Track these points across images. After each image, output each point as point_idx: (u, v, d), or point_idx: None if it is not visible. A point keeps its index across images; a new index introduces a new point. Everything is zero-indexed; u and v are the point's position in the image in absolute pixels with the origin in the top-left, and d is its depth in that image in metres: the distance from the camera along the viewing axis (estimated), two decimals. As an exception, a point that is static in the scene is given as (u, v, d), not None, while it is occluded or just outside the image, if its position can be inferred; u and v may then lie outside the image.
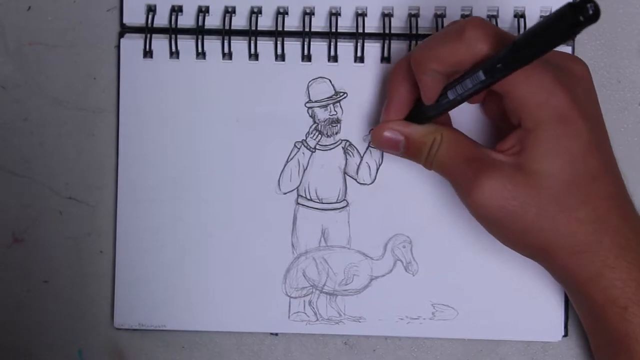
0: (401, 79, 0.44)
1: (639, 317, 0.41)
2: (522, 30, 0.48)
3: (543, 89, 0.40)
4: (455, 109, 0.42)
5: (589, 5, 0.32)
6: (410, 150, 0.44)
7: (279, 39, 0.48)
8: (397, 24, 0.49)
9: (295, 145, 0.49)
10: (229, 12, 0.49)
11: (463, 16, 0.48)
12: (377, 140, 0.44)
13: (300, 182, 0.49)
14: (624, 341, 0.41)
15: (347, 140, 0.49)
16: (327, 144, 0.49)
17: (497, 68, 0.38)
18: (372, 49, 0.49)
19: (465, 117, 0.48)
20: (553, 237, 0.41)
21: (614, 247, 0.41)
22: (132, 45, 0.49)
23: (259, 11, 0.49)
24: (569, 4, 0.33)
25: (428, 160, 0.43)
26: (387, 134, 0.44)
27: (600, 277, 0.41)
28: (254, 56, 0.49)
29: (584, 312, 0.44)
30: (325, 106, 0.49)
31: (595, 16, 0.32)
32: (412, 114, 0.44)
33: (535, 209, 0.40)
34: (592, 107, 0.43)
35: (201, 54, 0.49)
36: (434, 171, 0.44)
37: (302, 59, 0.49)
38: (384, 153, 0.48)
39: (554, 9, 0.47)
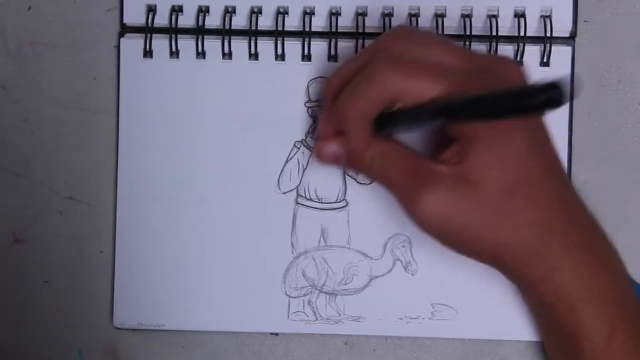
0: (336, 92, 0.43)
1: (587, 314, 0.41)
2: (522, 31, 0.48)
3: None
4: None
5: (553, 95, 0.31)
6: (351, 164, 0.44)
7: (279, 38, 0.48)
8: (397, 23, 0.48)
9: (295, 145, 0.49)
10: (229, 12, 0.49)
11: (463, 16, 0.48)
12: (320, 156, 0.44)
13: (300, 182, 0.49)
14: (573, 338, 0.42)
15: (347, 140, 0.49)
16: (327, 143, 0.49)
17: (435, 122, 0.39)
18: (372, 48, 0.49)
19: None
20: (499, 244, 0.41)
21: (560, 248, 0.41)
22: (132, 45, 0.49)
23: (259, 11, 0.49)
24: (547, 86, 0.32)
25: (370, 171, 0.43)
26: (328, 149, 0.44)
27: (549, 279, 0.41)
28: (254, 56, 0.49)
29: (536, 312, 0.45)
30: (325, 106, 0.49)
31: (557, 105, 0.31)
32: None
33: (479, 218, 0.40)
34: None
35: (201, 54, 0.49)
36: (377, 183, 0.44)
37: (302, 59, 0.49)
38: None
39: (554, 9, 0.48)
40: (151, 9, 0.49)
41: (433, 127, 0.40)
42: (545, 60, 0.48)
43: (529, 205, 0.41)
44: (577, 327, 0.42)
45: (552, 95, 0.31)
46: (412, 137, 0.46)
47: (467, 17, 0.48)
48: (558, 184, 0.42)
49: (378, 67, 0.40)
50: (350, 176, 0.49)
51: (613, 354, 0.41)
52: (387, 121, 0.41)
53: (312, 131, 0.49)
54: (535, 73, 0.48)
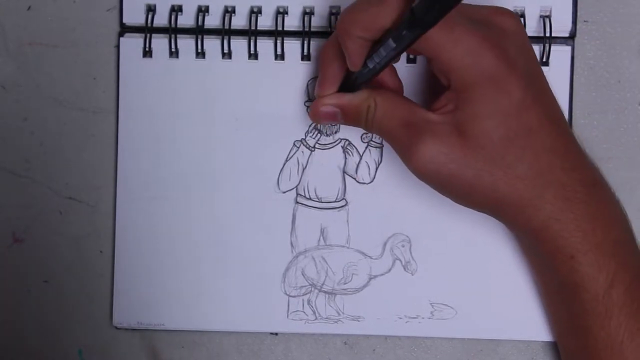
0: (332, 55, 0.43)
1: (585, 265, 0.41)
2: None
3: (469, 50, 0.40)
4: (401, 69, 0.43)
5: None
6: (348, 118, 0.44)
7: (279, 38, 0.48)
8: (397, 23, 0.49)
9: (294, 144, 0.49)
10: (229, 11, 0.49)
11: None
12: (315, 116, 0.45)
13: (300, 181, 0.49)
14: (571, 288, 0.42)
15: (347, 140, 0.49)
16: (327, 143, 0.49)
17: (403, 35, 0.38)
18: (372, 48, 0.49)
19: (408, 76, 0.48)
20: (494, 194, 0.41)
21: (558, 200, 0.41)
22: (132, 44, 0.49)
23: (259, 11, 0.49)
24: None
25: (367, 123, 0.44)
26: (323, 109, 0.44)
27: (546, 229, 0.41)
28: (254, 55, 0.49)
29: (534, 261, 0.46)
30: (325, 105, 0.49)
31: None
32: (344, 84, 0.44)
33: (473, 169, 0.41)
34: (526, 62, 0.42)
35: (201, 54, 0.49)
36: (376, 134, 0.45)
37: (302, 59, 0.49)
38: (384, 152, 0.48)
39: (553, 9, 0.48)
40: (151, 9, 0.49)
41: (396, 56, 0.40)
42: (544, 60, 0.48)
43: (524, 157, 0.41)
44: (575, 277, 0.42)
45: None
46: (408, 89, 0.47)
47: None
48: (556, 135, 0.42)
49: None
50: (349, 175, 0.49)
51: (611, 305, 0.41)
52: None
53: (311, 130, 0.49)
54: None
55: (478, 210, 0.43)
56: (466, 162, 0.41)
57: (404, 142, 0.42)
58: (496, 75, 0.40)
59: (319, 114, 0.44)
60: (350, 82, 0.43)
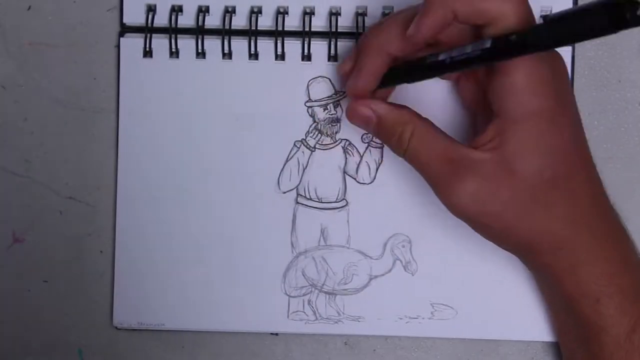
0: (377, 45, 0.42)
1: (610, 308, 0.41)
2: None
3: (535, 80, 0.38)
4: (427, 88, 0.42)
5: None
6: (379, 131, 0.43)
7: (279, 38, 0.48)
8: (397, 23, 0.49)
9: (295, 144, 0.49)
10: (229, 11, 0.49)
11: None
12: (352, 115, 0.44)
13: (300, 182, 0.49)
14: (593, 330, 0.42)
15: (347, 140, 0.49)
16: (327, 143, 0.49)
17: (511, 40, 0.35)
18: (372, 48, 0.49)
19: (435, 97, 0.48)
20: (532, 235, 0.41)
21: (590, 243, 0.41)
22: (132, 44, 0.49)
23: (259, 11, 0.49)
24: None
25: (400, 147, 0.42)
26: (362, 110, 0.43)
27: (575, 272, 0.41)
28: (254, 56, 0.49)
29: (557, 305, 0.45)
30: (325, 105, 0.49)
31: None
32: (386, 75, 0.43)
33: (515, 208, 0.40)
34: (572, 104, 0.42)
35: (201, 54, 0.49)
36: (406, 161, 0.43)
37: (302, 59, 0.49)
38: (384, 153, 0.48)
39: (553, 9, 0.48)
40: (151, 9, 0.49)
41: (478, 64, 0.37)
42: (545, 60, 0.48)
43: (565, 200, 0.40)
44: (599, 320, 0.42)
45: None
46: (444, 118, 0.46)
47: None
48: (592, 180, 0.42)
49: None
50: (350, 175, 0.49)
51: (632, 350, 0.41)
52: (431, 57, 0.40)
53: (311, 130, 0.49)
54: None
55: (508, 249, 0.43)
56: (510, 199, 0.40)
57: (442, 178, 0.41)
58: (553, 111, 0.39)
59: (356, 114, 0.43)
60: (393, 75, 0.42)
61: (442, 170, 0.41)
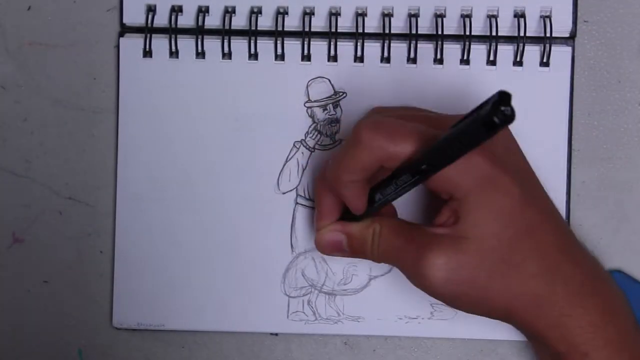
0: (324, 189, 0.44)
1: None
2: (522, 31, 0.48)
3: (467, 163, 0.39)
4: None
5: (503, 109, 0.32)
6: (354, 247, 0.44)
7: (279, 38, 0.48)
8: (397, 23, 0.48)
9: (294, 145, 0.49)
10: (229, 12, 0.49)
11: (463, 16, 0.48)
12: (320, 246, 0.45)
13: (300, 182, 0.49)
14: None
15: (347, 140, 0.49)
16: (327, 143, 0.49)
17: (422, 169, 0.38)
18: (372, 49, 0.49)
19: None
20: (508, 297, 0.41)
21: (568, 295, 0.41)
22: (132, 45, 0.49)
23: (259, 11, 0.49)
24: (483, 109, 0.34)
25: (373, 253, 0.43)
26: (328, 236, 0.44)
27: (559, 326, 0.41)
28: (254, 56, 0.49)
29: None
30: (325, 106, 0.49)
31: (511, 118, 0.33)
32: (345, 217, 0.44)
33: (484, 274, 0.40)
34: (516, 160, 0.43)
35: (201, 54, 0.49)
36: (382, 263, 0.44)
37: (302, 59, 0.49)
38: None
39: (553, 9, 0.48)
40: (151, 9, 0.49)
41: (417, 186, 0.40)
42: (545, 60, 0.48)
43: (532, 255, 0.41)
44: None
45: (501, 105, 0.33)
46: (406, 209, 0.47)
47: (467, 17, 0.48)
48: (557, 230, 0.42)
49: (364, 131, 0.40)
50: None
51: None
52: (373, 196, 0.42)
53: (311, 131, 0.49)
54: (535, 73, 0.48)
55: (491, 317, 0.43)
56: (477, 265, 0.40)
57: (410, 259, 0.41)
58: (492, 176, 0.40)
59: (325, 243, 0.44)
60: (352, 215, 0.44)
61: (409, 252, 0.41)
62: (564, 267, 0.41)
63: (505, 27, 0.48)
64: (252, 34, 0.48)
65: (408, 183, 0.40)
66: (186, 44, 0.49)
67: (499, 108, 0.33)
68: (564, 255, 0.42)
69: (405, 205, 0.48)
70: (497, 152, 0.40)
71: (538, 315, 0.41)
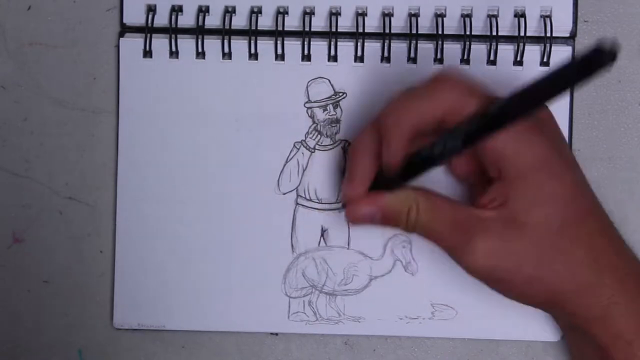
0: (364, 149, 0.42)
1: None
2: (522, 31, 0.48)
3: (521, 138, 0.39)
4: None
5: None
6: (387, 220, 0.43)
7: (279, 38, 0.48)
8: (397, 23, 0.48)
9: (294, 145, 0.49)
10: (229, 12, 0.49)
11: (463, 16, 0.48)
12: (353, 219, 0.43)
13: (300, 183, 0.49)
14: None
15: (347, 141, 0.49)
16: (327, 144, 0.49)
17: (474, 131, 0.37)
18: (372, 48, 0.49)
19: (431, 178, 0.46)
20: (555, 284, 0.41)
21: (614, 283, 0.41)
22: (132, 45, 0.49)
23: (259, 11, 0.49)
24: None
25: (409, 226, 0.42)
26: (363, 210, 0.42)
27: (605, 315, 0.41)
28: (254, 56, 0.49)
29: (589, 353, 0.44)
30: (325, 106, 0.49)
31: (614, 55, 0.30)
32: (376, 182, 0.43)
33: (532, 260, 0.40)
34: (565, 148, 0.42)
35: (201, 54, 0.49)
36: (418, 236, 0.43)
37: (302, 59, 0.49)
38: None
39: (553, 9, 0.48)
40: (151, 9, 0.49)
41: (462, 149, 0.38)
42: (545, 60, 0.48)
43: (581, 243, 0.40)
44: None
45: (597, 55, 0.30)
46: (447, 185, 0.47)
47: (467, 17, 0.48)
48: (603, 220, 0.42)
49: (440, 81, 0.39)
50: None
51: None
52: (417, 163, 0.40)
53: (311, 131, 0.49)
54: (535, 73, 0.48)
55: (534, 304, 0.43)
56: (525, 253, 0.40)
57: (455, 243, 0.41)
58: (548, 160, 0.39)
59: (357, 216, 0.42)
60: (385, 181, 0.42)
61: (453, 235, 0.41)
62: (610, 255, 0.41)
63: (506, 26, 0.48)
64: (252, 33, 0.48)
65: (459, 144, 0.37)
66: (186, 44, 0.49)
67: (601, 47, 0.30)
68: (610, 244, 0.41)
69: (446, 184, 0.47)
70: (550, 136, 0.40)
71: (584, 304, 0.41)
